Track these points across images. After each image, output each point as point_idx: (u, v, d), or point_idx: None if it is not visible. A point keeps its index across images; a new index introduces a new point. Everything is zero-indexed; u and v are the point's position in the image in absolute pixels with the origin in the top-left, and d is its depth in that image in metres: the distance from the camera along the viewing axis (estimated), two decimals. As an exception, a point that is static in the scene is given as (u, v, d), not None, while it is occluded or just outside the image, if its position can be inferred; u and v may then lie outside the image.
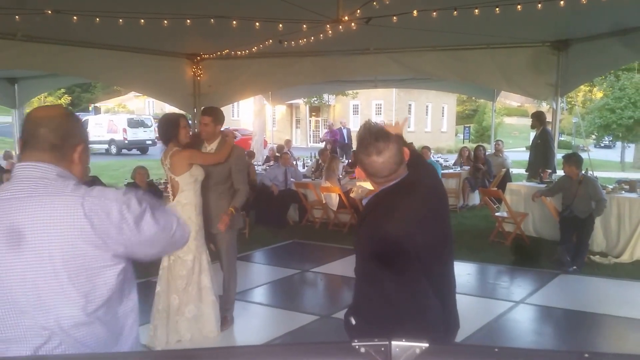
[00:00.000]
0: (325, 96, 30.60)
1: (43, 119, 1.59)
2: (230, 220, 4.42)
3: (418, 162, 2.25)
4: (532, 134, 9.26)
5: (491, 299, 5.54)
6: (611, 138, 25.97)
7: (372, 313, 2.07)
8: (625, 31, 6.73)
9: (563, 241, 6.34)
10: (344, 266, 6.20)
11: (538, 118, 8.95)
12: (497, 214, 7.95)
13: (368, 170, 2.04)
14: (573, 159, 6.32)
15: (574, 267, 6.16)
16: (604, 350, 4.34)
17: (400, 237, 1.97)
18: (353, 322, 2.11)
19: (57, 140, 1.57)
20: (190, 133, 4.41)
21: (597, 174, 10.13)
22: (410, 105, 34.23)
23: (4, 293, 1.43)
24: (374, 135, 1.99)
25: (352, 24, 5.52)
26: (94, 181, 6.84)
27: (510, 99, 42.36)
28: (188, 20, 5.95)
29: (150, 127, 26.39)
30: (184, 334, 4.28)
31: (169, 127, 4.17)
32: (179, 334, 4.28)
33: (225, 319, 4.65)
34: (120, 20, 5.85)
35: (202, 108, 4.70)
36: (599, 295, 5.65)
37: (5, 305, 1.44)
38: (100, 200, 1.49)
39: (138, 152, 26.05)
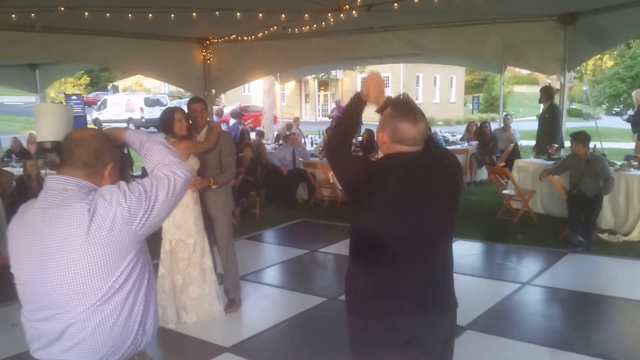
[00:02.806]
0: (333, 71, 30.41)
1: (79, 139, 1.82)
2: (223, 203, 4.71)
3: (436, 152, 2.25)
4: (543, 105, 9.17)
5: (497, 280, 5.52)
6: (622, 107, 25.48)
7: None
8: (635, 2, 6.57)
9: (572, 222, 6.27)
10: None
11: (546, 92, 8.84)
12: (504, 191, 7.92)
13: (397, 135, 2.06)
14: (581, 138, 6.24)
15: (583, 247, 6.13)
16: (613, 335, 4.34)
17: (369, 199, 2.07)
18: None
19: (89, 158, 1.79)
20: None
21: (607, 144, 10.07)
22: (418, 77, 33.84)
23: (40, 288, 1.72)
24: (412, 106, 2.08)
25: (354, 12, 5.51)
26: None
27: (520, 67, 41.64)
28: (194, 14, 6.23)
29: (165, 105, 26.84)
30: (190, 315, 4.50)
31: (164, 121, 4.38)
32: (186, 313, 4.50)
33: (234, 301, 4.83)
34: (130, 14, 6.16)
35: (190, 98, 5.07)
36: (608, 276, 5.62)
37: (43, 297, 1.73)
38: (100, 201, 1.70)
39: (155, 130, 26.63)
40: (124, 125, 26.28)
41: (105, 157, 1.83)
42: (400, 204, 2.05)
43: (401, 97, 2.12)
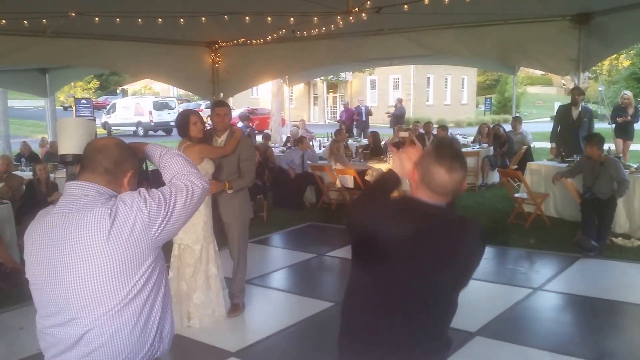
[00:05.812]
0: (342, 73, 30.41)
1: (101, 147, 1.87)
2: (239, 209, 4.61)
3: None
4: (557, 104, 9.01)
5: (508, 285, 5.40)
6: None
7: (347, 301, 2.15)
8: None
9: (585, 226, 6.13)
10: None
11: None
12: (516, 195, 7.80)
13: (427, 177, 1.87)
14: (595, 140, 6.12)
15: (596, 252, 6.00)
16: (627, 342, 4.24)
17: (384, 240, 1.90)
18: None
19: (110, 165, 1.83)
20: (207, 127, 4.54)
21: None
22: (428, 78, 33.69)
23: (58, 293, 1.73)
24: (455, 151, 1.89)
25: (363, 15, 5.49)
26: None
27: (533, 68, 41.19)
28: (203, 18, 6.33)
29: (174, 109, 27.22)
30: (194, 320, 4.49)
31: (181, 124, 4.36)
32: (190, 319, 4.49)
33: (237, 306, 4.78)
34: (140, 20, 6.28)
35: (214, 101, 5.00)
36: (622, 281, 5.49)
37: (59, 302, 1.73)
38: (121, 206, 1.73)
39: (163, 133, 27.05)
40: (133, 129, 26.56)
41: (125, 164, 1.88)
42: (409, 256, 1.89)
43: (448, 136, 1.96)
